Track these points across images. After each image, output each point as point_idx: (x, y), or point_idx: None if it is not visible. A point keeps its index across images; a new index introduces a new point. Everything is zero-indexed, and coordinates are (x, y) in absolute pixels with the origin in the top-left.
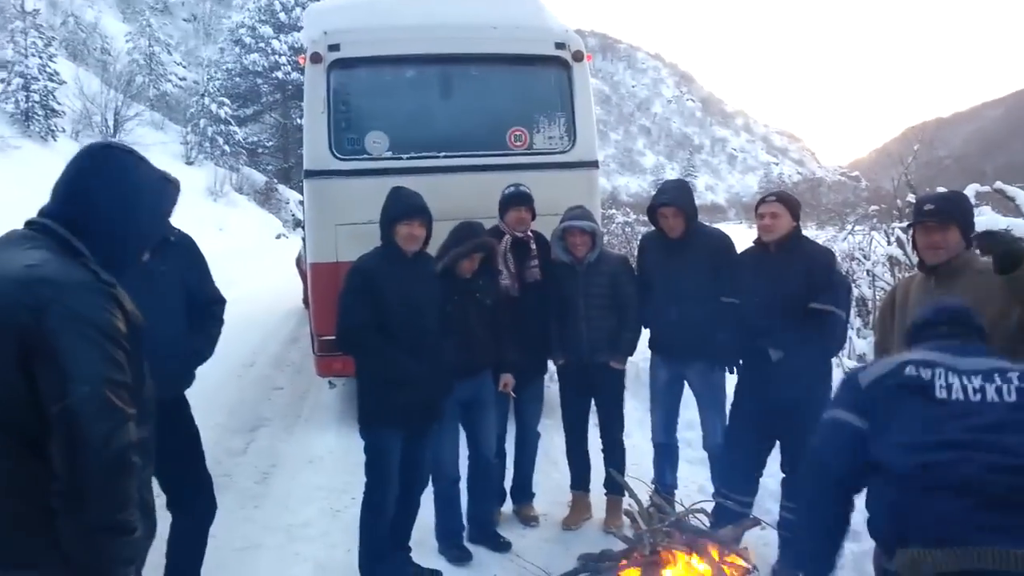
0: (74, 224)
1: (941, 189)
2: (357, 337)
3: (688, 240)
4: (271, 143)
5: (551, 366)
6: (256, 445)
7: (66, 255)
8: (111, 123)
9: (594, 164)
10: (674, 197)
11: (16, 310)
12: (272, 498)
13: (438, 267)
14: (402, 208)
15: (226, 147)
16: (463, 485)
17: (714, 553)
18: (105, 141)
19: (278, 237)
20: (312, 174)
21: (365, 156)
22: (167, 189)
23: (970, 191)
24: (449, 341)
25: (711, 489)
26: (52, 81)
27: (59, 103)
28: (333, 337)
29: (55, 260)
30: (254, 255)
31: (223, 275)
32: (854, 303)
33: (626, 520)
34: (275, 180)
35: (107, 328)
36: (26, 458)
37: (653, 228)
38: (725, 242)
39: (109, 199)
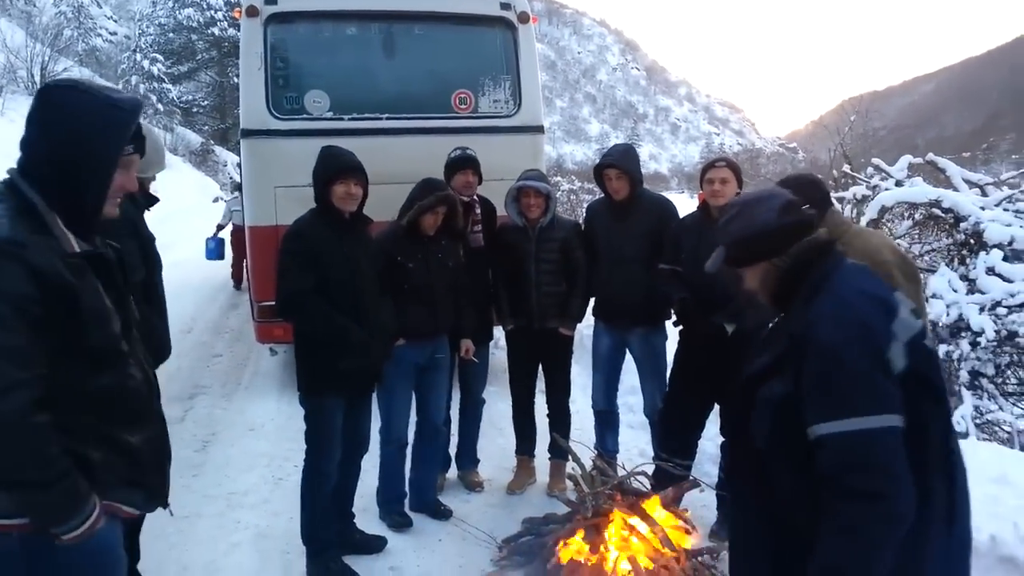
0: (32, 173)
1: (877, 160)
2: (299, 302)
3: (632, 206)
4: (207, 103)
5: (496, 332)
6: (194, 413)
7: (17, 209)
8: (37, 78)
9: (539, 129)
10: (618, 159)
11: None
12: (211, 466)
13: (402, 221)
14: (337, 166)
15: (160, 106)
16: (408, 451)
17: (654, 514)
18: (50, 81)
19: (215, 200)
20: (249, 133)
21: (304, 116)
22: (115, 114)
23: (903, 162)
24: (388, 302)
25: (652, 453)
26: None
27: None
28: (273, 303)
29: None
30: (191, 218)
31: (159, 239)
32: None
33: (569, 484)
34: (212, 141)
35: (5, 295)
36: None
37: (599, 196)
38: (669, 209)
39: (50, 142)
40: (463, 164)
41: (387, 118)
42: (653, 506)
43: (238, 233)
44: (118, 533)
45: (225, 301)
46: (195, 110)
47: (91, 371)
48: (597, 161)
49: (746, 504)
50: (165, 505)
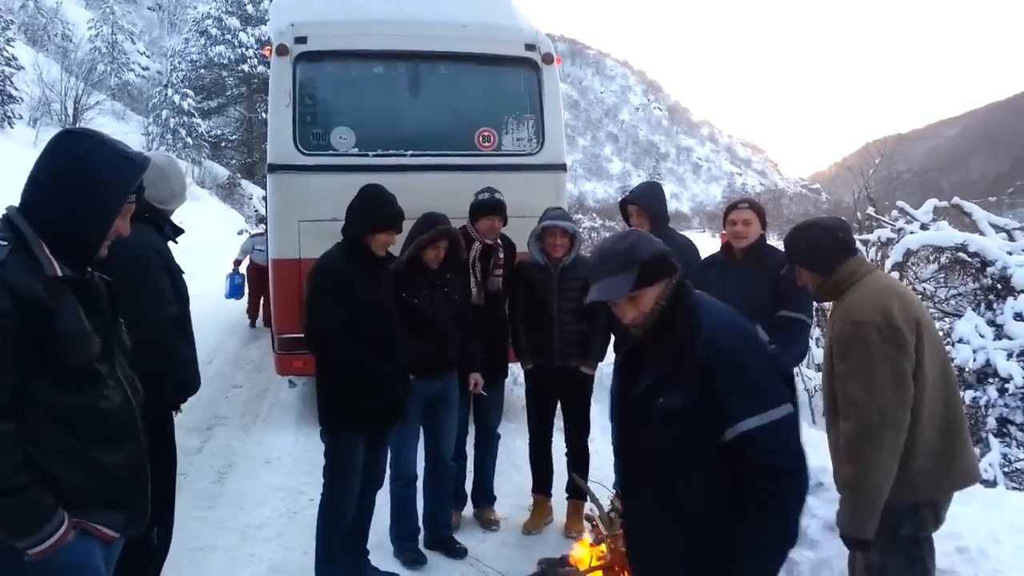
0: (35, 210)
1: (901, 203)
2: (330, 338)
3: None
4: (235, 137)
5: (515, 368)
6: (212, 444)
7: (17, 245)
8: (71, 111)
9: (562, 167)
10: (639, 195)
11: None
12: (227, 498)
13: (403, 257)
14: (390, 216)
15: (189, 139)
16: (419, 486)
17: None
18: (68, 127)
19: (240, 232)
20: (276, 168)
21: (331, 152)
22: (127, 168)
23: (928, 205)
24: (406, 338)
25: None
26: (10, 66)
27: (16, 89)
28: (294, 335)
29: None
30: (215, 250)
31: (184, 270)
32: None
33: (587, 525)
34: (238, 175)
35: None
36: None
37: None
38: (691, 249)
39: (61, 185)
40: (491, 209)
41: (411, 155)
42: None
43: (253, 269)
44: (94, 552)
45: (246, 333)
46: (223, 144)
47: (65, 389)
48: (618, 199)
49: (651, 515)
50: (149, 531)
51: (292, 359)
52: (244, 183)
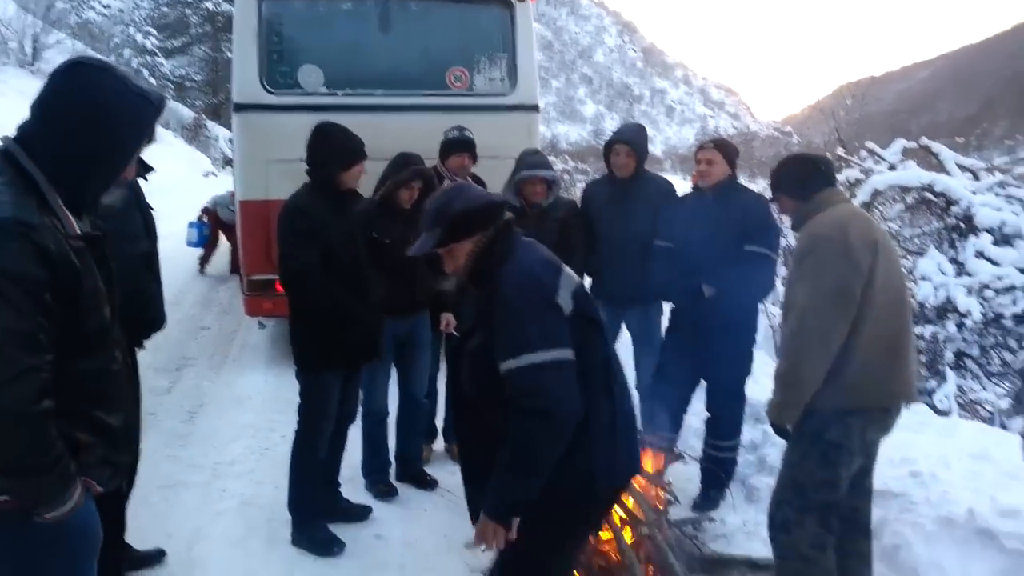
0: (39, 147)
1: (870, 144)
2: (306, 279)
3: (634, 184)
4: (200, 77)
5: None
6: (182, 384)
7: (17, 184)
8: (29, 50)
9: (535, 108)
10: (630, 136)
11: None
12: (198, 437)
13: (375, 197)
14: (356, 150)
15: (152, 80)
16: (391, 422)
17: (638, 485)
18: (78, 57)
19: (206, 175)
20: (241, 107)
21: (298, 91)
22: (146, 107)
23: (896, 146)
24: (377, 276)
25: (641, 428)
26: None
27: None
28: (263, 277)
29: None
30: (181, 193)
31: (154, 207)
32: (781, 253)
33: None
34: (204, 116)
35: (13, 277)
36: None
37: (595, 177)
38: (668, 188)
39: (74, 120)
40: (460, 146)
41: (381, 94)
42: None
43: (214, 218)
44: (93, 507)
45: (213, 275)
46: (188, 84)
47: (84, 355)
48: (592, 142)
49: (469, 439)
50: (125, 484)
51: (262, 300)
52: (210, 125)
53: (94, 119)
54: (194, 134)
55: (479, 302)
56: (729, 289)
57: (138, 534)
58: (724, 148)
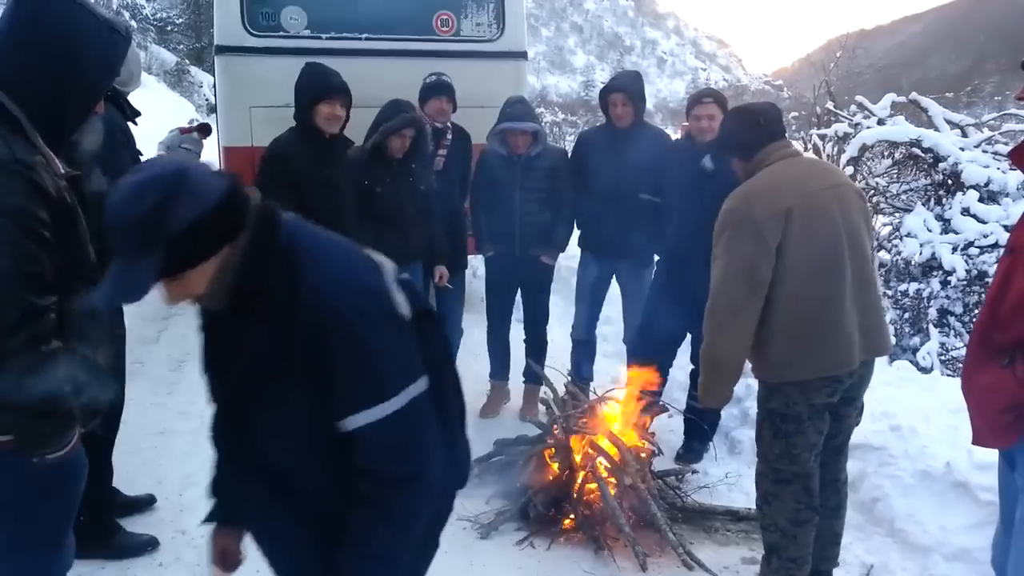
0: (16, 86)
1: (860, 98)
2: None
3: (631, 135)
4: (181, 20)
5: (474, 261)
6: (169, 333)
7: (9, 128)
8: None
9: (523, 55)
10: (627, 84)
11: None
12: (186, 385)
13: (367, 145)
14: (324, 85)
15: (132, 23)
16: None
17: (622, 436)
18: None
19: (191, 122)
20: (223, 50)
21: (281, 33)
22: (115, 40)
23: (886, 101)
24: (369, 225)
25: (624, 380)
26: None
27: None
28: None
29: None
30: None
31: (143, 152)
32: None
33: (542, 408)
34: (187, 61)
35: (19, 217)
36: None
37: (589, 127)
38: (666, 140)
39: (46, 54)
40: (438, 90)
41: (366, 38)
42: (622, 428)
43: None
44: (82, 449)
45: None
46: (169, 28)
47: (75, 296)
48: (582, 94)
49: (268, 516)
50: (101, 428)
51: None
52: (193, 70)
53: (68, 55)
54: (177, 79)
55: (259, 337)
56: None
57: (128, 480)
58: (722, 101)
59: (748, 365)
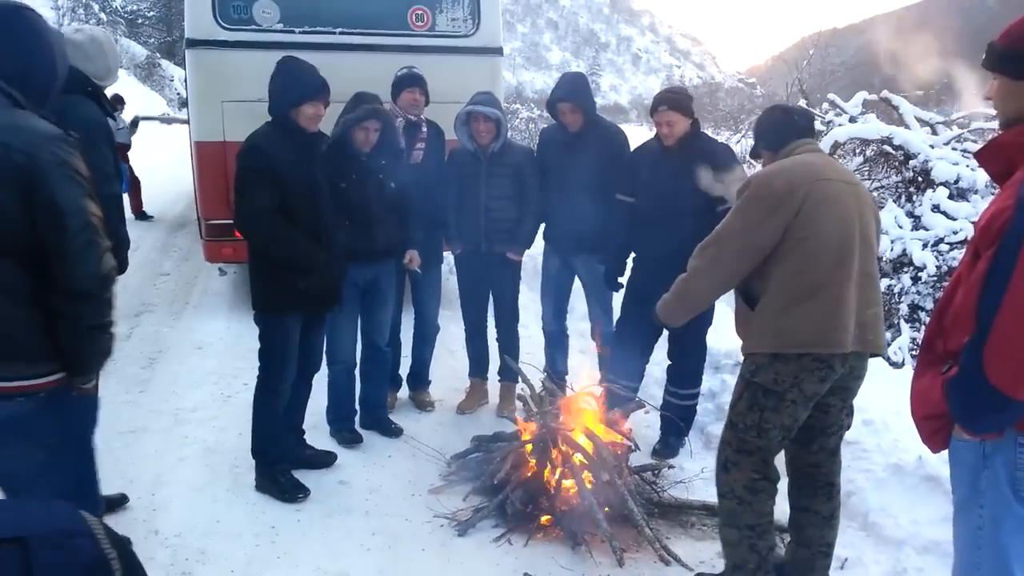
0: (13, 80)
1: (832, 96)
2: (260, 221)
3: (585, 134)
4: (152, 13)
5: (448, 258)
6: (141, 331)
7: (16, 109)
8: None
9: (498, 51)
10: (569, 92)
11: (10, 152)
12: (158, 383)
13: (329, 139)
14: (313, 86)
15: (102, 15)
16: (356, 371)
17: (599, 431)
18: (14, 2)
19: (162, 115)
20: (195, 43)
21: (253, 27)
22: (63, 46)
23: (858, 98)
24: (340, 222)
25: (599, 375)
26: None
27: None
28: (221, 221)
29: (19, 115)
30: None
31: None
32: None
33: (519, 404)
34: (157, 54)
35: (83, 172)
36: (24, 273)
37: (553, 123)
38: (620, 138)
39: (32, 55)
40: (409, 82)
41: (340, 32)
42: (598, 425)
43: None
44: None
45: (172, 220)
46: (140, 21)
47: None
48: (547, 102)
49: None
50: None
51: (221, 246)
52: (164, 64)
53: (48, 55)
54: (148, 73)
55: None
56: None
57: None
58: (678, 105)
59: (735, 353)
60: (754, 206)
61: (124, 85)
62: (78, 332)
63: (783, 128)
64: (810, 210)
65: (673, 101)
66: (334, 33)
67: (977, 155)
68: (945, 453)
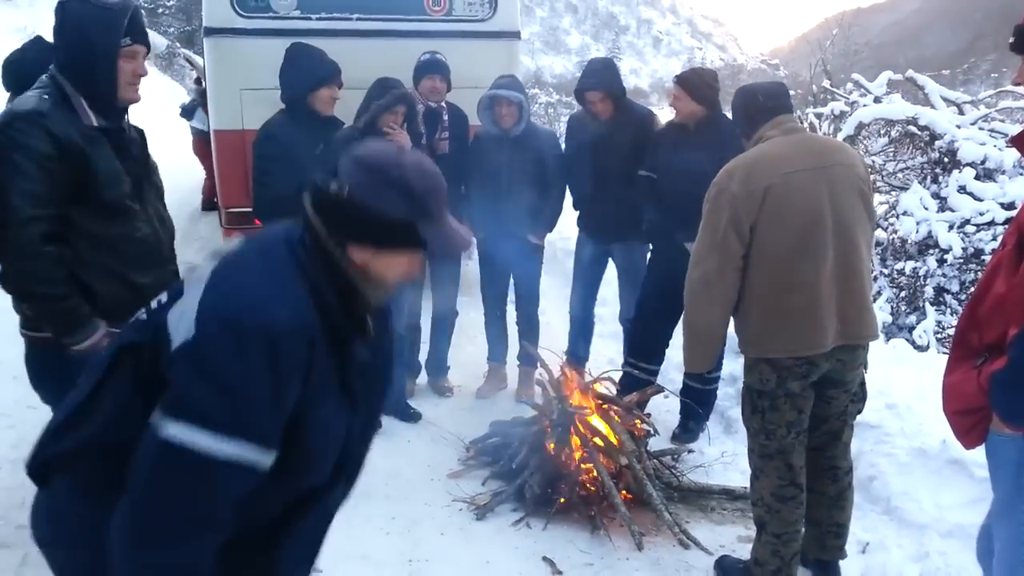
0: (63, 68)
1: (856, 76)
2: (278, 208)
3: (616, 119)
4: (172, 2)
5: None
6: None
7: (55, 95)
8: None
9: (516, 35)
10: (600, 80)
11: None
12: None
13: (359, 123)
14: (326, 70)
15: None
16: None
17: (617, 417)
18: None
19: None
20: (212, 32)
21: (271, 14)
22: (108, 16)
23: (882, 78)
24: None
25: (620, 361)
26: None
27: None
28: (241, 209)
29: (32, 98)
30: (157, 124)
31: None
32: None
33: (538, 390)
34: (178, 44)
35: (25, 148)
36: None
37: (580, 110)
38: (650, 119)
39: (67, 43)
40: (431, 69)
41: (357, 19)
42: (609, 410)
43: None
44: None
45: (195, 209)
46: (160, 10)
47: (103, 220)
48: (577, 75)
49: None
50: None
51: (241, 233)
52: (183, 53)
53: (78, 37)
54: (168, 63)
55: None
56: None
57: None
58: (686, 83)
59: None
60: (716, 213)
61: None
62: (19, 294)
63: (751, 112)
64: (769, 212)
65: (683, 79)
66: (351, 19)
67: (1014, 140)
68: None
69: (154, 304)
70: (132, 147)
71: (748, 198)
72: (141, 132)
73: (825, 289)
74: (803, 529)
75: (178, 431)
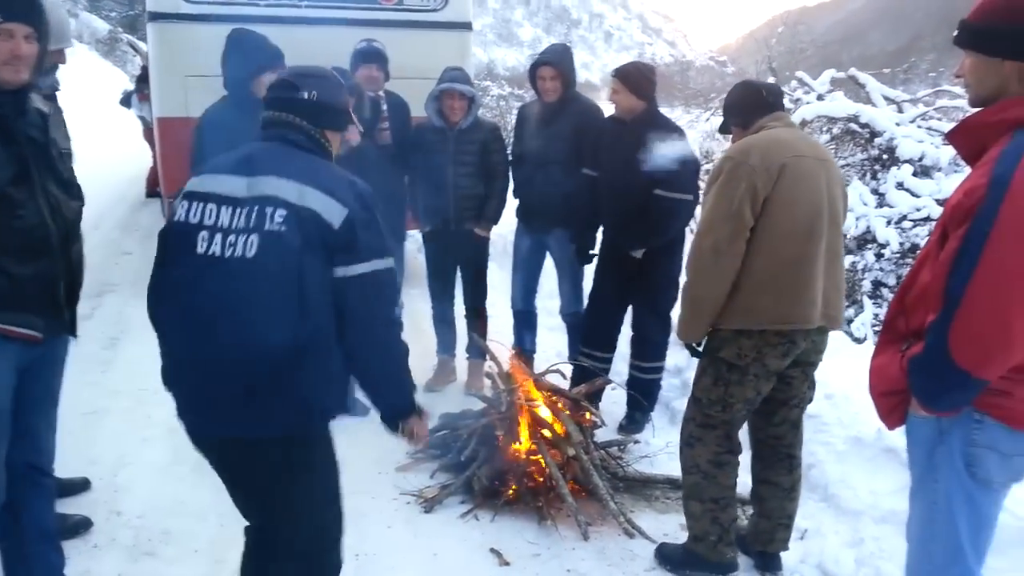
0: None
1: (800, 74)
2: None
3: (562, 109)
4: None
5: (416, 236)
6: (103, 311)
7: None
8: None
9: (467, 26)
10: (557, 58)
11: None
12: (121, 363)
13: None
14: (269, 56)
15: None
16: None
17: (565, 409)
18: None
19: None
20: (157, 17)
21: (216, 0)
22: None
23: (825, 76)
24: None
25: (567, 354)
26: None
27: None
28: None
29: None
30: (97, 110)
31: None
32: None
33: (487, 382)
34: (119, 29)
35: None
36: None
37: (530, 100)
38: (596, 114)
39: None
40: (368, 58)
41: (306, 6)
42: (556, 402)
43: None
44: (5, 350)
45: (135, 198)
46: None
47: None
48: (529, 67)
49: None
50: (72, 334)
51: None
52: (126, 38)
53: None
54: (110, 48)
55: None
56: (636, 231)
57: (59, 461)
58: (625, 78)
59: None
60: (732, 184)
61: (84, 60)
62: None
63: (752, 104)
64: (783, 188)
65: (620, 70)
66: (300, 6)
67: (949, 135)
68: (902, 428)
69: (216, 219)
70: (26, 131)
71: (766, 172)
72: (44, 116)
73: (819, 268)
74: (736, 494)
75: (370, 266)
